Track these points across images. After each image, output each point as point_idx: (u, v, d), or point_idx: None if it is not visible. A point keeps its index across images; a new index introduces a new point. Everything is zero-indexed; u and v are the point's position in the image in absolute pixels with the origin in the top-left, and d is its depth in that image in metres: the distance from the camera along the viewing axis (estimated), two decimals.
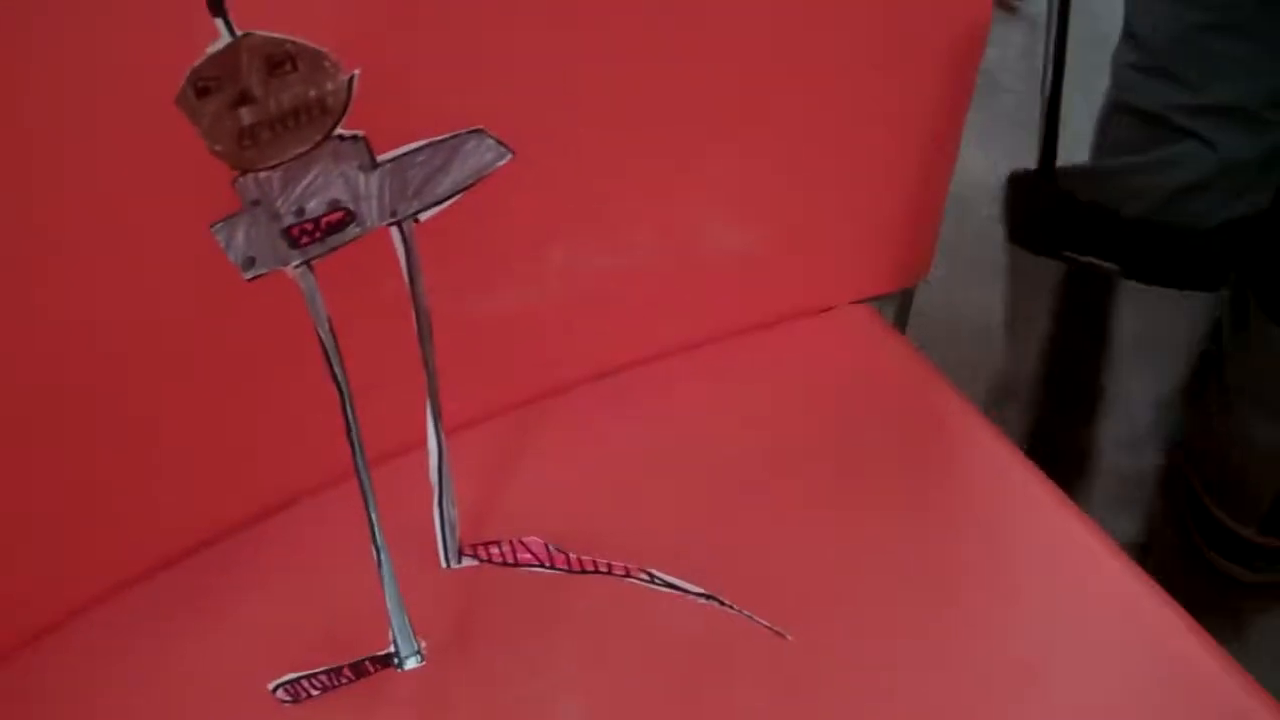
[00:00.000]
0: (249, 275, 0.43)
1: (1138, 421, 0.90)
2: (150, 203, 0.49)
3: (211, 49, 0.36)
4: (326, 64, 0.39)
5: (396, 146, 0.43)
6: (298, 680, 0.52)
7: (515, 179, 0.46)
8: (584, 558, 0.59)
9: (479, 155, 0.45)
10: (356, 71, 0.39)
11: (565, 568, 0.59)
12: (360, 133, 0.41)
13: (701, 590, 0.58)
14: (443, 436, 0.54)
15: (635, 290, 0.68)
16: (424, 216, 0.46)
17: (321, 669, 0.53)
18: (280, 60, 0.38)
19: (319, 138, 0.41)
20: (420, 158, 0.44)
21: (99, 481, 0.55)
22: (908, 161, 0.71)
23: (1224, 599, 1.04)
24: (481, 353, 0.63)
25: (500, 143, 0.45)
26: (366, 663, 0.54)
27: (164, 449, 0.57)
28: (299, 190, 0.42)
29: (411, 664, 0.54)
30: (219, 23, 0.36)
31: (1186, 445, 1.02)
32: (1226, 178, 0.83)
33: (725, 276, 0.70)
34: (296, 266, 0.44)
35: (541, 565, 0.59)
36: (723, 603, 0.57)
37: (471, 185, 0.46)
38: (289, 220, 0.42)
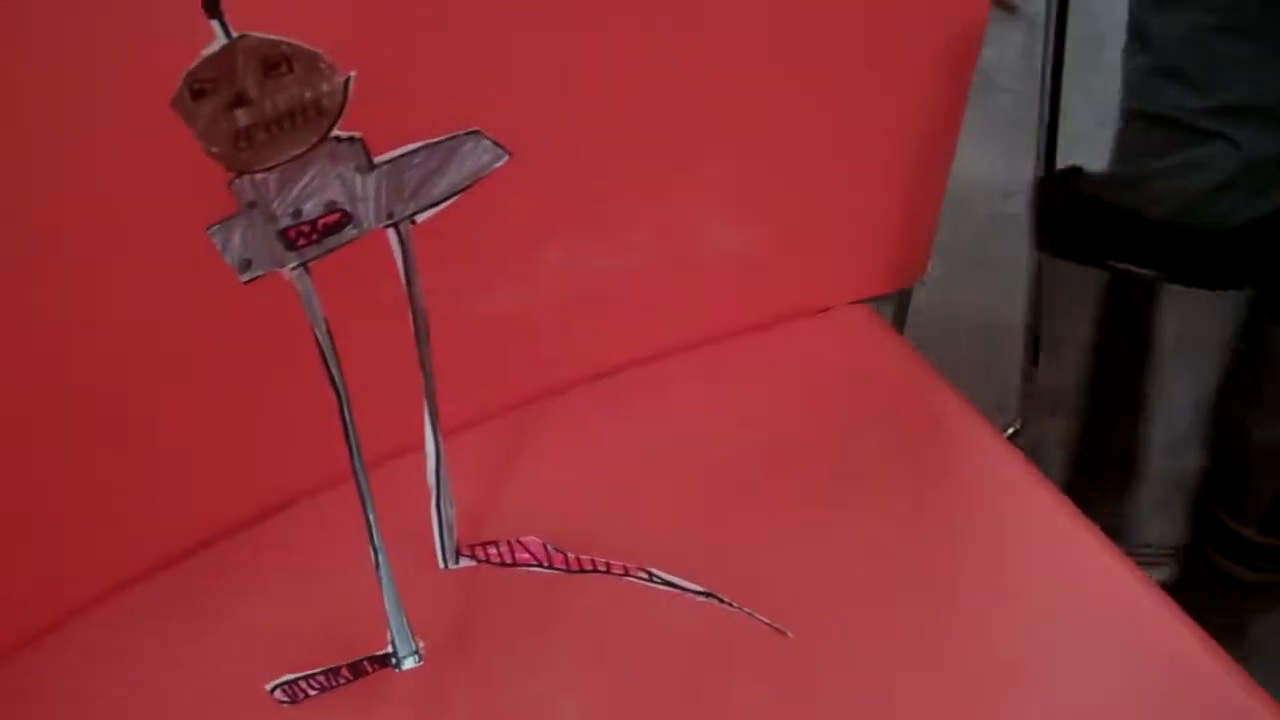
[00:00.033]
0: (246, 277, 0.43)
1: (1178, 424, 0.90)
2: (149, 204, 0.49)
3: (207, 51, 0.37)
4: (322, 65, 0.39)
5: (393, 148, 0.43)
6: (296, 681, 0.52)
7: (512, 180, 0.46)
8: (582, 557, 0.59)
9: (476, 156, 0.45)
10: (352, 73, 0.39)
11: (563, 567, 0.59)
12: (357, 134, 0.41)
13: (701, 588, 0.58)
14: (440, 437, 0.54)
15: (633, 291, 0.68)
16: (421, 218, 0.46)
17: (319, 669, 0.53)
18: (276, 62, 0.38)
19: (315, 139, 0.41)
20: (417, 159, 0.44)
21: (98, 482, 0.55)
22: (904, 161, 0.71)
23: (1225, 599, 1.03)
24: (479, 354, 0.63)
25: (497, 144, 0.45)
26: (364, 663, 0.54)
27: (163, 450, 0.57)
28: (295, 192, 0.42)
29: (409, 664, 0.55)
30: (215, 24, 0.36)
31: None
32: (1249, 176, 0.83)
33: (722, 277, 0.70)
34: (293, 268, 0.44)
35: (539, 565, 0.59)
36: (722, 600, 0.57)
37: (468, 186, 0.46)
38: (285, 222, 0.42)
